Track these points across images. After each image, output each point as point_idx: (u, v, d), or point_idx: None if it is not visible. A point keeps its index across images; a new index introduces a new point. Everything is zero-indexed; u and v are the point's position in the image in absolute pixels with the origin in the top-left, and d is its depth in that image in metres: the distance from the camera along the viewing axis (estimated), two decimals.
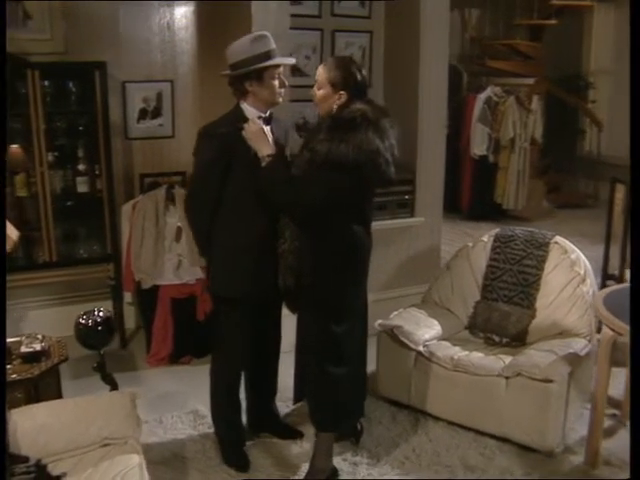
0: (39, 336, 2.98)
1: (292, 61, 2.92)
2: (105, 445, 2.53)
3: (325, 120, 2.72)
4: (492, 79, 6.95)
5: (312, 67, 4.29)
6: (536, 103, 6.87)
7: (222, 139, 2.74)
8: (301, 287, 2.78)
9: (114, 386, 3.00)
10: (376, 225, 4.13)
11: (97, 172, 4.02)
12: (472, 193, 6.96)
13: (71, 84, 3.92)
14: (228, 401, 3.09)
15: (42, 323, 4.18)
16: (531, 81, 6.86)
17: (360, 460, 3.09)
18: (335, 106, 2.71)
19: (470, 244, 3.85)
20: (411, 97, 4.27)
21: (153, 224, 4.04)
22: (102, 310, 2.96)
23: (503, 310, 3.60)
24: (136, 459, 2.45)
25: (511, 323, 3.57)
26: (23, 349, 2.86)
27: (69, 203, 4.05)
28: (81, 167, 4.01)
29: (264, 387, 3.24)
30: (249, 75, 2.72)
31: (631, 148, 2.29)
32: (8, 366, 2.79)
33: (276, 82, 2.76)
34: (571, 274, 3.46)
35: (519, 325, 3.52)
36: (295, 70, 4.24)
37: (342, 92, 2.70)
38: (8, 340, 3.00)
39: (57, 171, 3.97)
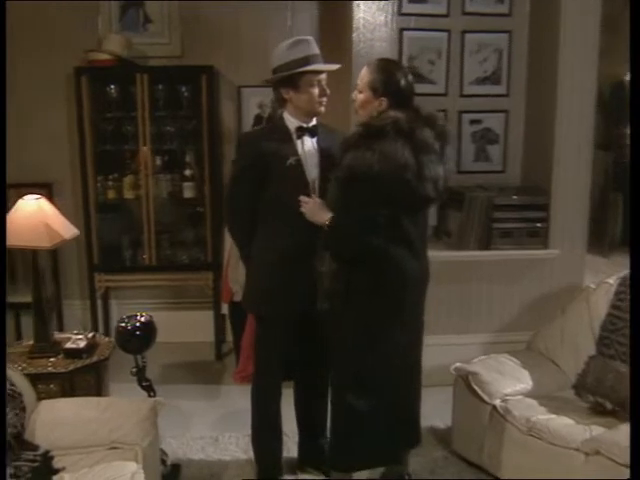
0: (89, 335, 3.39)
1: (332, 67, 2.90)
2: (112, 448, 2.83)
3: (358, 129, 2.76)
4: None
5: (437, 73, 4.27)
6: None
7: (256, 148, 2.87)
8: (335, 313, 2.83)
9: (151, 393, 3.30)
10: (498, 255, 4.09)
11: (204, 178, 4.45)
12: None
13: (184, 88, 4.38)
14: (265, 426, 3.20)
15: None
16: None
17: None
18: (375, 113, 2.73)
19: (592, 285, 3.56)
20: (548, 107, 4.06)
21: None
22: (144, 315, 3.26)
23: (620, 371, 3.26)
24: (132, 467, 2.67)
25: (625, 388, 3.22)
26: (67, 345, 3.25)
27: (174, 208, 4.54)
28: (188, 172, 4.45)
29: (310, 420, 3.31)
30: (285, 82, 2.82)
31: (631, 149, 2.27)
32: (51, 359, 3.25)
33: (315, 90, 2.82)
34: None
35: None
36: (417, 76, 4.26)
37: (383, 98, 2.72)
38: (59, 335, 3.51)
39: (164, 175, 4.47)
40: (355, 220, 2.67)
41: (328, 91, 2.87)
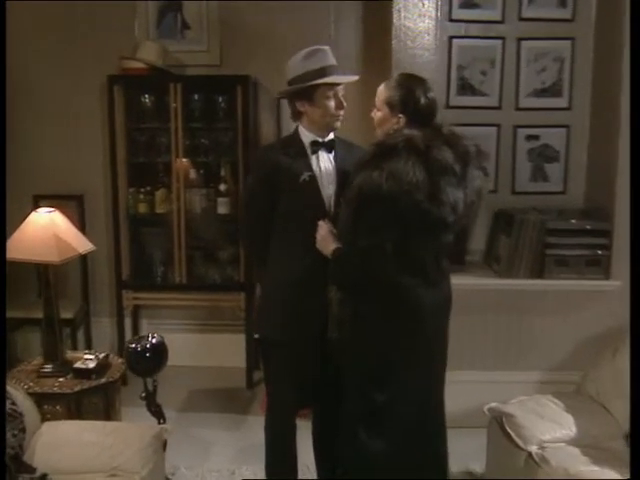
0: (102, 355, 3.42)
1: (349, 79, 2.86)
2: (112, 475, 2.81)
3: (372, 147, 2.70)
4: None
5: (489, 84, 4.15)
6: None
7: (269, 163, 2.87)
8: (343, 342, 2.76)
9: (160, 419, 3.29)
10: (551, 285, 3.93)
11: (239, 194, 4.44)
12: None
13: (220, 99, 4.41)
14: (278, 461, 3.13)
15: (175, 348, 4.76)
16: None
17: None
18: (392, 131, 2.67)
19: None
20: (614, 122, 3.87)
21: None
22: (156, 336, 3.26)
23: None
24: None
25: None
26: (77, 364, 3.29)
27: (207, 224, 4.55)
28: (223, 187, 4.46)
29: (328, 453, 3.23)
30: (300, 94, 2.80)
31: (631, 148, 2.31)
32: (60, 379, 3.29)
33: (331, 103, 2.78)
34: None
35: None
36: (467, 88, 4.17)
37: (400, 115, 2.68)
38: (72, 354, 3.55)
39: (198, 190, 4.49)
40: (360, 252, 2.60)
41: (345, 104, 2.82)
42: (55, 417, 3.14)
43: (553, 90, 4.18)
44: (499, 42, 4.12)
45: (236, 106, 4.32)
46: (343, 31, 4.51)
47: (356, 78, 2.88)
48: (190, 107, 4.38)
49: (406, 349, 2.73)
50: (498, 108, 4.18)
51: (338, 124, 2.86)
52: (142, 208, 4.51)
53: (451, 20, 4.04)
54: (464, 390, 3.82)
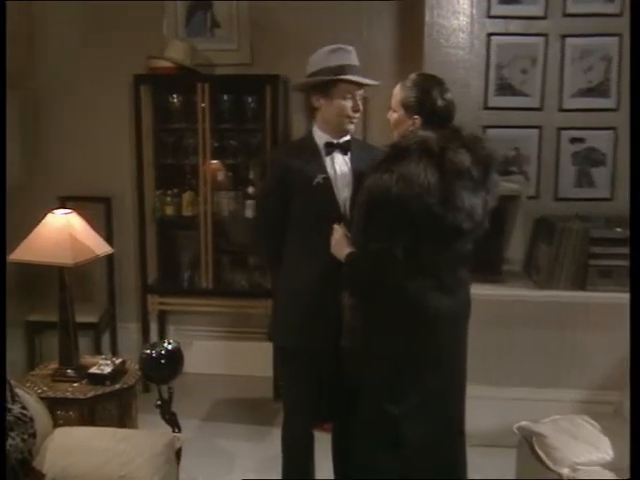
0: (118, 360, 3.43)
1: (368, 82, 2.82)
2: None
3: (386, 149, 2.66)
4: None
5: (531, 84, 4.07)
6: None
7: (283, 165, 2.87)
8: (354, 351, 2.71)
9: (175, 428, 3.28)
10: (594, 297, 3.81)
11: None
12: None
13: (250, 99, 4.39)
14: (292, 470, 3.11)
15: (201, 356, 4.79)
16: None
17: None
18: (407, 133, 2.64)
19: None
20: None
21: None
22: (172, 342, 3.25)
23: None
24: None
25: None
26: (92, 369, 3.30)
27: (235, 228, 4.54)
28: (251, 190, 4.43)
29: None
30: (317, 88, 2.79)
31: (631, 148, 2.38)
32: (74, 384, 3.32)
33: (348, 103, 2.78)
34: None
35: None
36: (507, 88, 4.08)
37: (416, 117, 2.64)
38: (89, 359, 3.57)
39: (226, 192, 4.46)
40: (371, 256, 2.57)
41: (361, 107, 2.82)
42: (68, 423, 3.14)
43: (599, 90, 4.07)
44: (541, 39, 4.05)
45: (265, 106, 4.30)
46: (376, 30, 4.44)
47: (377, 83, 2.87)
48: (219, 107, 4.37)
49: (420, 359, 2.67)
50: (540, 109, 4.10)
51: (352, 127, 2.85)
52: (169, 211, 4.52)
53: (490, 17, 3.97)
54: (497, 407, 3.74)
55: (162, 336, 4.74)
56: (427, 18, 3.74)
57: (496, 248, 3.97)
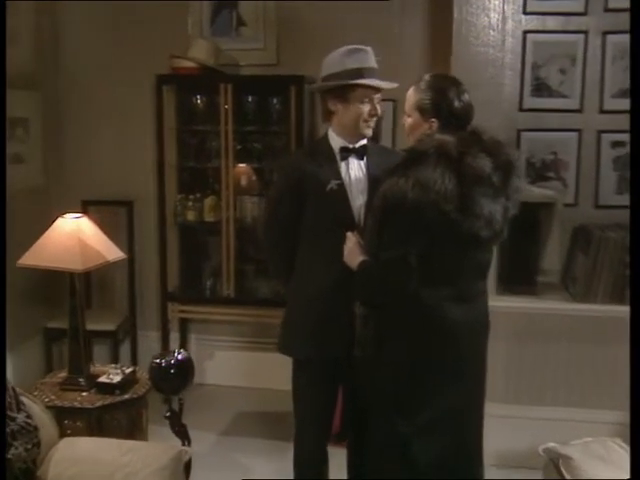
0: (128, 370, 3.40)
1: (387, 85, 2.76)
2: None
3: (403, 154, 2.60)
4: None
5: (569, 85, 3.97)
6: None
7: (295, 170, 2.84)
8: (366, 362, 2.66)
9: (185, 441, 3.25)
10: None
11: None
12: None
13: (275, 100, 4.36)
14: None
15: (223, 367, 4.77)
16: None
17: None
18: (424, 137, 2.57)
19: None
20: None
21: None
22: (182, 352, 3.22)
23: None
24: None
25: None
26: (101, 378, 3.28)
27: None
28: None
29: None
30: (334, 92, 2.74)
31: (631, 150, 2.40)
32: (83, 393, 3.31)
33: (366, 107, 2.73)
34: None
35: None
36: (543, 89, 3.98)
37: (433, 120, 2.57)
38: (99, 367, 3.57)
39: (250, 197, 4.44)
40: (384, 264, 2.50)
41: (379, 111, 2.76)
42: (75, 433, 3.12)
43: None
44: (581, 37, 3.94)
45: (290, 108, 4.26)
46: (405, 29, 4.38)
47: (394, 86, 2.79)
48: (242, 109, 4.34)
49: (434, 373, 2.59)
50: (579, 111, 3.99)
51: (369, 131, 2.80)
52: (190, 216, 4.49)
53: (525, 13, 3.87)
54: (528, 427, 3.63)
55: (183, 345, 4.71)
56: (456, 15, 3.66)
57: (530, 258, 3.87)
